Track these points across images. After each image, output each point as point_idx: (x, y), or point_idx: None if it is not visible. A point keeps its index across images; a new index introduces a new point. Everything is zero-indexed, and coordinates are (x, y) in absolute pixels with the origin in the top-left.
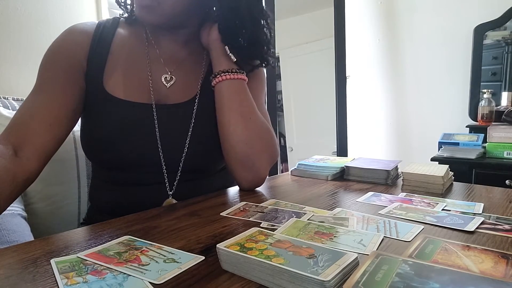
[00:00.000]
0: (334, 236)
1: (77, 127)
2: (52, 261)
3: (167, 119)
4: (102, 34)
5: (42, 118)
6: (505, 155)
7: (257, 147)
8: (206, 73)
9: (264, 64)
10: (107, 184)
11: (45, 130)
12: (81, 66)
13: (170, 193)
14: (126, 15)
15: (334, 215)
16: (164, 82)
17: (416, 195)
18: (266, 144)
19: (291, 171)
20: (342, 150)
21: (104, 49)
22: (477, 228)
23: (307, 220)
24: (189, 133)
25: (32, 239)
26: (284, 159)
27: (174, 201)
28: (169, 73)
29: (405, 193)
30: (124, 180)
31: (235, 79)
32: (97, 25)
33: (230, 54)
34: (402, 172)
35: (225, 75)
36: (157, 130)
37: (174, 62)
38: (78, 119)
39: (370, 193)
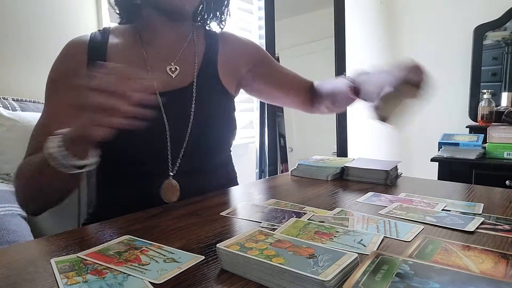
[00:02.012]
0: (334, 236)
1: None
2: (52, 260)
3: (171, 104)
4: (96, 43)
5: None
6: (505, 156)
7: None
8: (203, 57)
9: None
10: (119, 179)
11: None
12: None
13: (172, 174)
14: (117, 22)
15: (334, 215)
16: (170, 73)
17: (416, 195)
18: None
19: (291, 171)
20: (342, 151)
21: (101, 55)
22: (477, 228)
23: (307, 220)
24: (191, 114)
25: (32, 239)
26: (284, 159)
27: (174, 182)
28: (172, 64)
29: (405, 193)
30: (135, 171)
31: None
32: (90, 36)
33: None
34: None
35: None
36: (164, 115)
37: (173, 53)
38: None
39: (370, 193)
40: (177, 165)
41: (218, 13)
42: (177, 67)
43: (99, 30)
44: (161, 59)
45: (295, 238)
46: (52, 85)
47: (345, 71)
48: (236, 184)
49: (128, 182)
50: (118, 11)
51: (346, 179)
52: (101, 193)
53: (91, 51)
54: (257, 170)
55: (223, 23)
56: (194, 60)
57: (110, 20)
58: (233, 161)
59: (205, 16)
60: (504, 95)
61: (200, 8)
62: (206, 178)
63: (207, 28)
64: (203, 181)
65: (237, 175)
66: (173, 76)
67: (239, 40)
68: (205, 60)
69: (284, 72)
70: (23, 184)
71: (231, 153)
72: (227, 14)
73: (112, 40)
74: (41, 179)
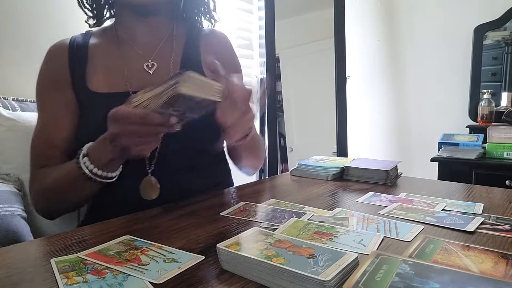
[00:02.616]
0: (334, 236)
1: None
2: (52, 260)
3: None
4: (77, 46)
5: (58, 143)
6: (505, 156)
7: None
8: (183, 53)
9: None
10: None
11: (64, 153)
12: (67, 81)
13: (149, 170)
14: (93, 22)
15: (334, 215)
16: (147, 69)
17: (416, 195)
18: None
19: (291, 171)
20: (342, 150)
21: (82, 57)
22: (477, 228)
23: (307, 220)
24: None
25: (32, 239)
26: (284, 159)
27: (153, 178)
28: (149, 61)
29: (405, 193)
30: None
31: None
32: (70, 40)
33: None
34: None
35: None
36: None
37: (151, 50)
38: None
39: (370, 193)
40: (153, 164)
41: (202, 8)
42: (154, 63)
43: (81, 34)
44: (139, 57)
45: (295, 238)
46: (41, 93)
47: (345, 72)
48: (228, 184)
49: (111, 184)
50: (89, 13)
51: (346, 179)
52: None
53: (72, 53)
54: None
55: (213, 19)
56: (173, 56)
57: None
58: (227, 162)
59: (188, 12)
60: (504, 95)
61: (181, 4)
62: (189, 177)
63: (197, 24)
64: (185, 180)
65: (235, 175)
66: (151, 73)
67: (221, 40)
68: (185, 56)
69: None
70: (47, 193)
71: (224, 152)
72: (213, 9)
73: (93, 41)
74: (69, 189)
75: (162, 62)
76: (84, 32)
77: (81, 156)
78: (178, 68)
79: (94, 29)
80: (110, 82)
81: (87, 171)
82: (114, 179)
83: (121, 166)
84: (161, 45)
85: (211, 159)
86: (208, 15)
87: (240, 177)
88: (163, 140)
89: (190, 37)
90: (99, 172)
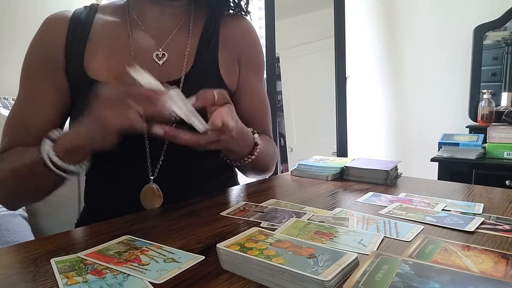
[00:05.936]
0: (334, 236)
1: None
2: (52, 260)
3: None
4: (79, 22)
5: (36, 131)
6: (505, 156)
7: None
8: (198, 43)
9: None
10: (98, 184)
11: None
12: (59, 65)
13: (152, 178)
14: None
15: (334, 215)
16: (156, 59)
17: (416, 195)
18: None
19: (291, 171)
20: (342, 151)
21: (82, 36)
22: (477, 228)
23: (307, 220)
24: None
25: (33, 238)
26: (284, 159)
27: (155, 186)
28: (160, 50)
29: (405, 193)
30: (113, 176)
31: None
32: (73, 13)
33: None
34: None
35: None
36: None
37: (163, 38)
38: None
39: (370, 193)
40: (157, 170)
41: None
42: (165, 53)
43: (85, 6)
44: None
45: (295, 238)
46: (27, 69)
47: (345, 72)
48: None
49: (111, 190)
50: None
51: (346, 179)
52: (88, 199)
53: (72, 29)
54: None
55: (242, 10)
56: (186, 47)
57: None
58: (233, 167)
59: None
60: (504, 95)
61: None
62: (193, 184)
63: (219, 9)
64: (190, 187)
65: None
66: (160, 64)
67: (244, 29)
68: (201, 46)
69: (256, 98)
70: (7, 179)
71: None
72: (246, 3)
73: (99, 17)
74: (31, 177)
75: (174, 53)
76: (89, 5)
77: (45, 140)
78: (192, 62)
79: (102, 2)
80: (114, 70)
81: (45, 157)
82: (74, 174)
83: (86, 163)
84: (175, 32)
85: (216, 164)
86: (236, 7)
87: (240, 177)
88: (167, 146)
89: (209, 21)
90: (57, 161)
